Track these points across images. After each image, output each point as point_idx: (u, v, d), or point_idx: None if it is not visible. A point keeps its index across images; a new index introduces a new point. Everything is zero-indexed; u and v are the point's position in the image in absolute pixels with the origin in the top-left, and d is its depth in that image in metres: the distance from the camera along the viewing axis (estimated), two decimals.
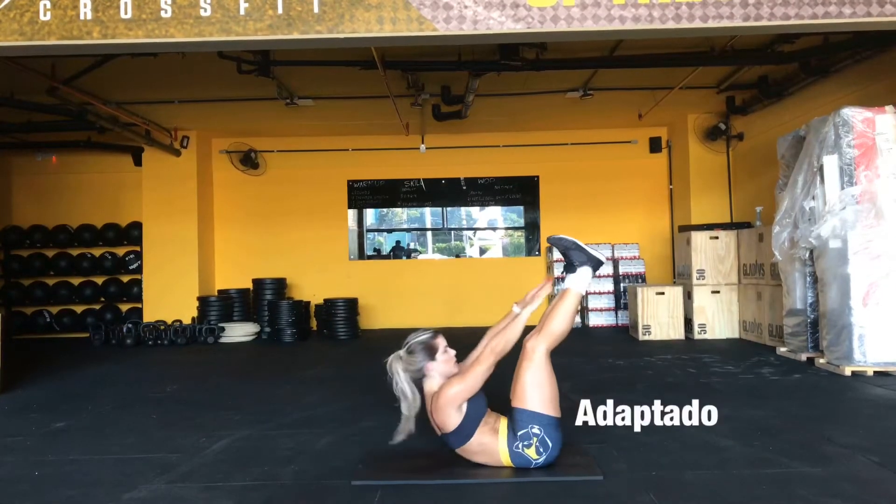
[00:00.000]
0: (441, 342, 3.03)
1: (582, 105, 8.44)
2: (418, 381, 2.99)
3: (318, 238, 10.14)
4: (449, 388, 2.88)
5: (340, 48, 5.12)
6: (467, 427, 2.90)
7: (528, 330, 3.08)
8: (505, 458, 2.92)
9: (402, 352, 3.01)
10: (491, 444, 2.92)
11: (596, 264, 3.16)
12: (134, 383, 5.87)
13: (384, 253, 11.15)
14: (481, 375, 2.89)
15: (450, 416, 2.89)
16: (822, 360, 5.52)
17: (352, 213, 10.49)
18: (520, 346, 3.02)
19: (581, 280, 3.13)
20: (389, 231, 11.66)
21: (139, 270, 9.78)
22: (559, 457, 2.95)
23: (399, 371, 2.96)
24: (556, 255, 9.43)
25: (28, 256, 9.92)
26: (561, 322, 3.02)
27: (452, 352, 3.05)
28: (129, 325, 8.49)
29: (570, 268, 3.18)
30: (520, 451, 2.89)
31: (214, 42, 3.95)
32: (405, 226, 11.46)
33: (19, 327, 9.66)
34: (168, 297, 9.30)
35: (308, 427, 3.94)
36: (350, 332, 8.87)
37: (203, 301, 8.97)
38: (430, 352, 2.98)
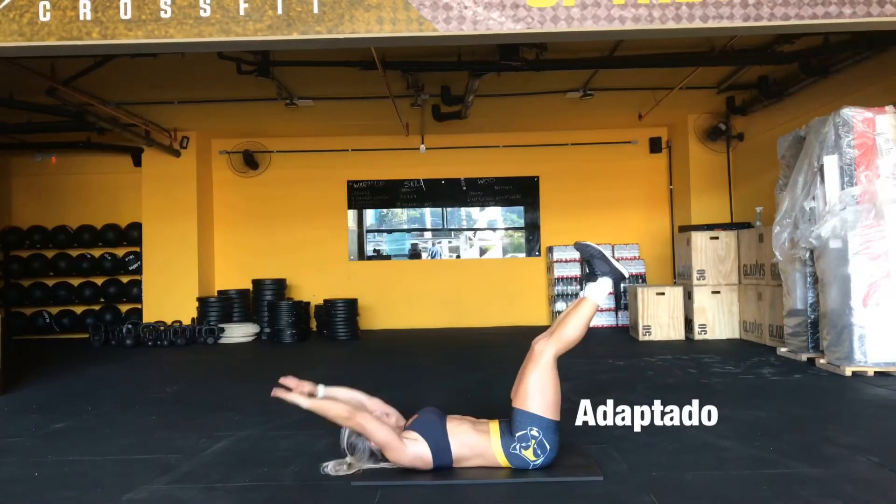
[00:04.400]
0: (356, 421, 2.95)
1: (582, 105, 8.44)
2: (383, 457, 2.96)
3: (317, 239, 10.13)
4: (386, 453, 2.90)
5: (340, 48, 5.12)
6: (434, 441, 2.89)
7: (537, 331, 3.07)
8: (501, 459, 2.91)
9: (348, 459, 3.00)
10: (482, 445, 2.91)
11: (617, 278, 3.14)
12: (134, 384, 5.87)
13: (398, 253, 11.16)
14: (372, 427, 2.88)
15: (415, 453, 2.88)
16: (822, 361, 5.52)
17: (352, 214, 10.48)
18: (527, 346, 3.01)
19: (600, 290, 3.11)
20: (389, 231, 11.65)
21: (139, 271, 9.77)
22: (559, 457, 2.94)
23: (330, 469, 2.97)
24: (556, 255, 9.44)
25: (28, 257, 9.92)
26: (573, 329, 3.01)
27: (367, 415, 2.96)
28: (129, 326, 8.49)
29: (591, 276, 3.17)
30: (517, 452, 2.88)
31: (214, 43, 3.95)
32: (405, 226, 11.45)
33: (19, 328, 9.66)
34: (168, 298, 9.30)
35: (307, 428, 3.92)
36: (350, 332, 8.86)
37: (203, 302, 8.97)
38: (361, 435, 2.96)
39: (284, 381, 3.09)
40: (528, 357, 2.98)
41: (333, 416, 2.96)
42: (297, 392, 3.05)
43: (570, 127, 9.88)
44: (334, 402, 3.03)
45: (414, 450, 2.88)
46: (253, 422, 4.09)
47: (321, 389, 3.10)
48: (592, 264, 3.17)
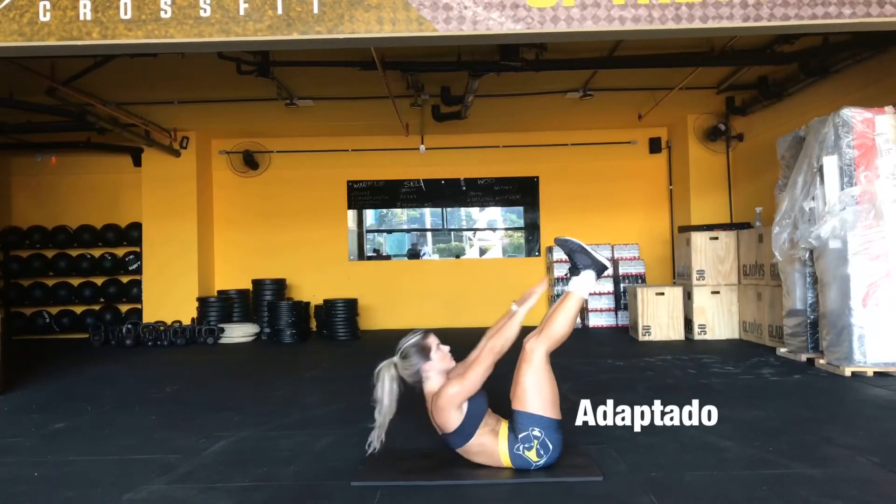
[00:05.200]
0: (433, 340, 3.02)
1: (582, 105, 8.44)
2: (417, 383, 2.98)
3: (317, 239, 10.13)
4: (448, 389, 2.87)
5: (340, 49, 5.13)
6: (468, 427, 2.90)
7: (527, 330, 3.08)
8: (505, 460, 2.91)
9: (396, 358, 3.01)
10: (490, 445, 2.91)
11: (600, 269, 3.15)
12: (133, 384, 5.87)
13: (398, 253, 11.19)
14: (481, 375, 2.89)
15: (450, 416, 2.88)
16: (822, 361, 5.52)
17: (351, 214, 10.48)
18: (519, 344, 3.01)
19: (584, 284, 3.12)
20: (389, 231, 11.66)
21: (139, 271, 9.77)
22: (559, 457, 2.94)
23: (385, 378, 2.96)
24: (556, 255, 9.44)
25: (27, 257, 9.91)
26: (561, 325, 3.01)
27: (446, 348, 3.04)
28: (129, 326, 8.49)
29: (574, 270, 3.18)
30: (520, 453, 2.89)
31: (214, 43, 3.95)
32: (405, 226, 11.46)
33: (19, 328, 9.66)
34: (168, 298, 9.30)
35: (307, 428, 3.94)
36: (350, 332, 8.86)
37: (203, 302, 8.97)
38: (425, 352, 2.98)
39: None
40: (521, 357, 2.98)
41: (510, 337, 2.98)
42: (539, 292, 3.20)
43: (570, 127, 9.88)
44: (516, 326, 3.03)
45: (453, 415, 2.88)
46: (253, 422, 4.09)
47: (523, 309, 3.11)
48: (574, 258, 3.18)
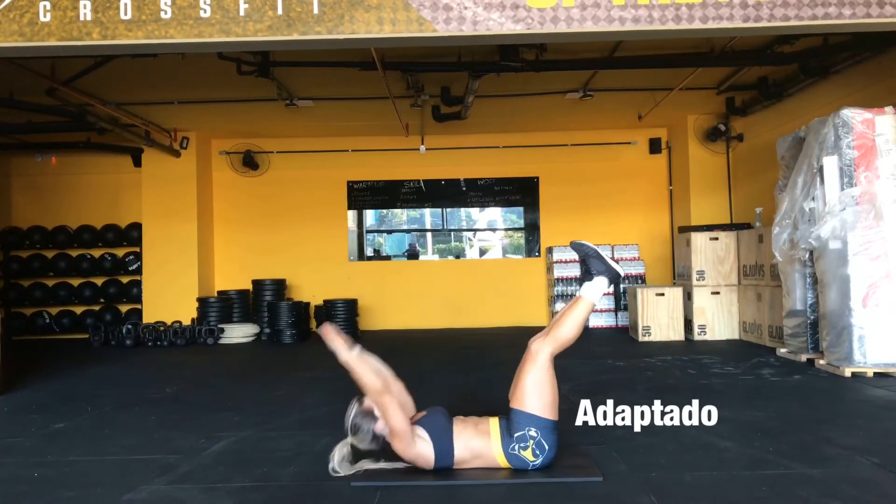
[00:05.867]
0: (383, 399, 2.92)
1: (582, 106, 8.45)
2: (382, 445, 2.94)
3: (317, 239, 10.14)
4: (393, 442, 2.88)
5: (340, 49, 5.12)
6: (440, 443, 2.89)
7: (536, 332, 3.08)
8: (501, 460, 2.91)
9: (348, 438, 2.98)
10: (482, 447, 2.91)
11: (613, 277, 3.14)
12: (133, 384, 5.87)
13: (397, 253, 11.19)
14: (393, 413, 2.84)
15: (419, 452, 2.88)
16: (822, 362, 5.52)
17: (351, 214, 10.49)
18: (524, 345, 3.01)
19: (595, 289, 3.11)
20: (389, 232, 11.67)
21: (139, 271, 9.77)
22: (558, 458, 2.94)
23: (336, 460, 2.93)
24: (556, 256, 9.44)
25: (27, 257, 9.92)
26: (569, 329, 3.01)
27: (392, 395, 2.95)
28: (129, 326, 8.49)
29: (587, 275, 3.18)
30: (516, 452, 2.88)
31: (214, 43, 3.95)
32: (405, 227, 11.46)
33: (19, 328, 9.66)
34: (167, 298, 9.30)
35: (308, 428, 3.94)
36: (350, 333, 8.73)
37: (203, 302, 8.97)
38: (369, 416, 2.94)
39: (328, 325, 3.01)
40: (525, 357, 2.98)
41: (367, 382, 2.90)
42: (342, 341, 2.97)
43: (570, 127, 9.88)
44: (371, 368, 2.96)
45: (419, 448, 2.88)
46: (253, 422, 4.09)
47: (357, 349, 3.01)
48: (588, 263, 3.17)
